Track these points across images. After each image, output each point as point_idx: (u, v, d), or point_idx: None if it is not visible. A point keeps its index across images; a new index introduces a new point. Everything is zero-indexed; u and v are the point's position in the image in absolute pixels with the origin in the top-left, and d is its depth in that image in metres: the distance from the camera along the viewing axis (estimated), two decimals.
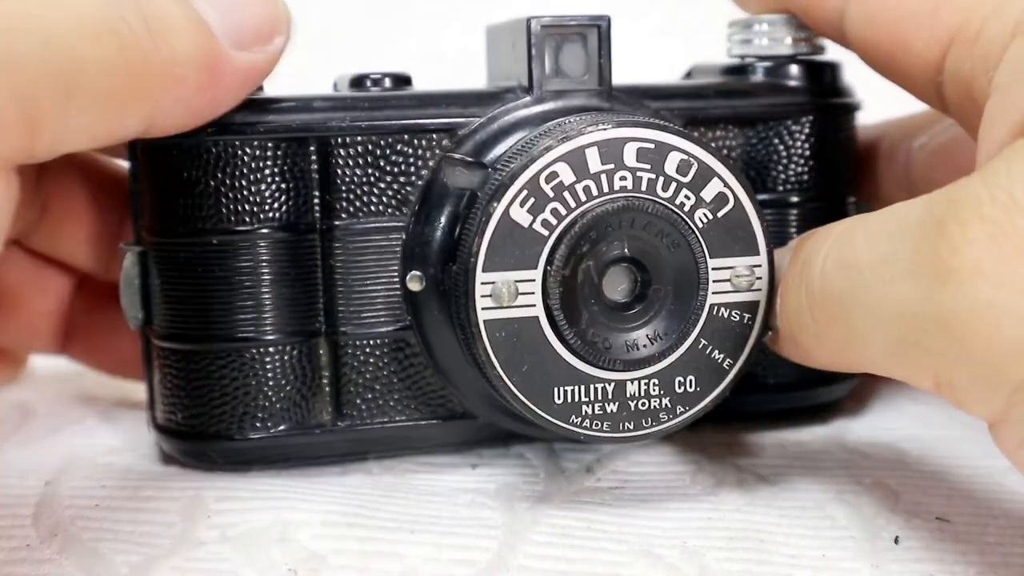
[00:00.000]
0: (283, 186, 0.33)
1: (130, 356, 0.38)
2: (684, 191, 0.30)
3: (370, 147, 0.33)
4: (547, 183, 0.30)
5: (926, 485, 0.33)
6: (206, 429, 0.34)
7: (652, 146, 0.30)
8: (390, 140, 0.33)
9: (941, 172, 0.38)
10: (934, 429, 0.37)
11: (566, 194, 0.30)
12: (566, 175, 0.30)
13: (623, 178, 0.30)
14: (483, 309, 0.30)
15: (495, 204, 0.30)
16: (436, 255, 0.33)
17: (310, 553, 0.29)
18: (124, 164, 0.37)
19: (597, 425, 0.31)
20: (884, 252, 0.26)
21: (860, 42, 0.33)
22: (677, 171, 0.30)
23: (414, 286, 0.33)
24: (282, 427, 0.34)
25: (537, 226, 0.30)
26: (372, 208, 0.33)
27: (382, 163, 0.33)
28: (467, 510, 0.32)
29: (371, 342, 0.34)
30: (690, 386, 0.31)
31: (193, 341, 0.33)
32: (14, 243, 0.39)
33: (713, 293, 0.31)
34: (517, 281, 0.30)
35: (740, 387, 0.32)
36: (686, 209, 0.30)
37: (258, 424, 0.33)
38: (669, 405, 0.31)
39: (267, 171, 0.33)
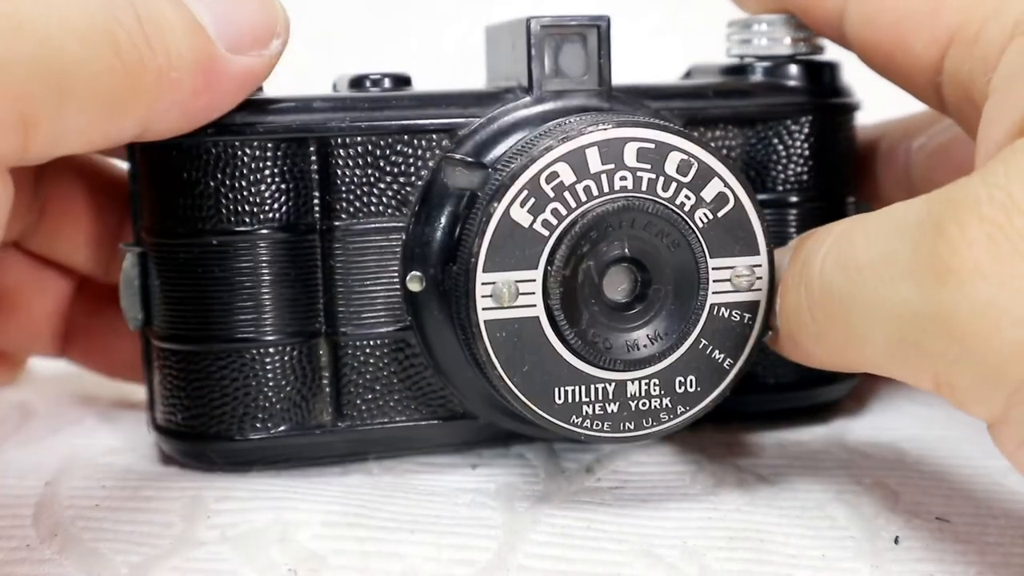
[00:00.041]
0: (283, 186, 0.33)
1: (130, 358, 0.38)
2: (684, 191, 0.30)
3: (370, 147, 0.33)
4: (547, 183, 0.30)
5: (926, 485, 0.33)
6: (206, 430, 0.34)
7: (652, 146, 0.30)
8: (390, 140, 0.33)
9: (940, 172, 0.38)
10: (934, 429, 0.37)
11: (566, 194, 0.30)
12: (566, 175, 0.30)
13: (623, 178, 0.30)
14: (484, 309, 0.30)
15: (495, 204, 0.30)
16: (436, 255, 0.33)
17: (310, 553, 0.29)
18: (123, 165, 0.37)
19: (598, 425, 0.31)
20: (883, 252, 0.26)
21: (859, 42, 0.33)
22: (677, 171, 0.30)
23: (414, 286, 0.33)
24: (282, 428, 0.34)
25: (537, 226, 0.30)
26: (372, 208, 0.33)
27: (382, 163, 0.33)
28: (467, 510, 0.32)
29: (371, 342, 0.34)
30: (690, 386, 0.31)
31: (193, 342, 0.33)
32: (13, 245, 0.39)
33: (713, 293, 0.31)
34: (517, 281, 0.30)
35: (740, 387, 0.32)
36: (686, 209, 0.30)
37: (258, 425, 0.33)
38: (670, 405, 0.31)
39: (267, 171, 0.33)
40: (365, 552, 0.29)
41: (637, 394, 0.31)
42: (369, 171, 0.33)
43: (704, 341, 0.31)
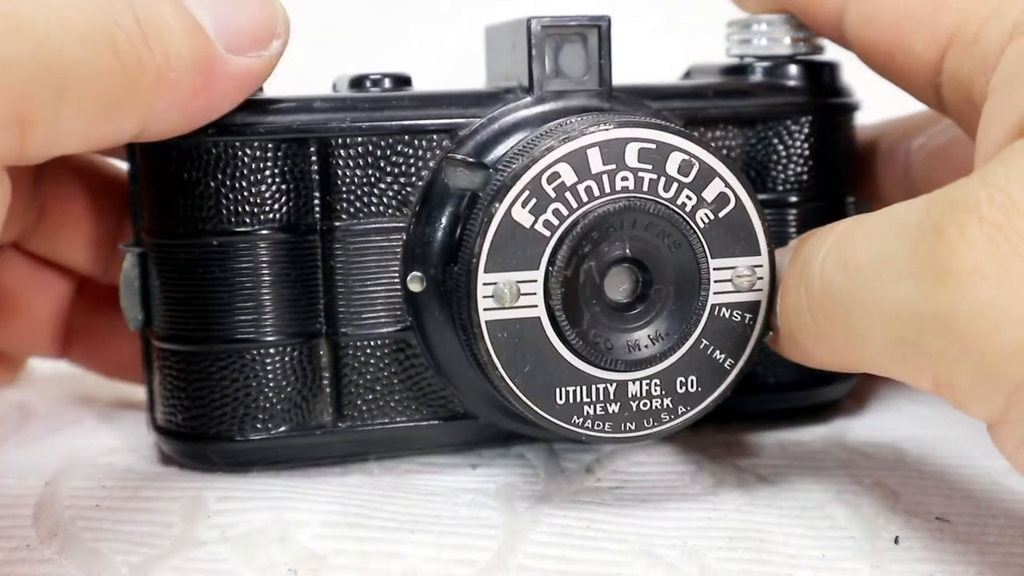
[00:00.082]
0: (283, 187, 0.33)
1: (130, 360, 0.38)
2: (685, 191, 0.30)
3: (370, 148, 0.33)
4: (549, 184, 0.30)
5: (926, 485, 0.33)
6: (206, 430, 0.34)
7: (653, 146, 0.30)
8: (390, 141, 0.33)
9: (940, 172, 0.38)
10: (934, 429, 0.37)
11: (568, 194, 0.30)
12: (568, 175, 0.30)
13: (624, 178, 0.30)
14: (485, 310, 0.30)
15: (497, 205, 0.30)
16: (437, 256, 0.33)
17: (310, 553, 0.29)
18: (123, 166, 0.37)
19: (599, 425, 0.31)
20: (883, 252, 0.26)
21: (859, 42, 0.33)
22: (678, 171, 0.30)
23: (415, 287, 0.33)
24: (282, 428, 0.34)
25: (539, 227, 0.30)
26: (373, 209, 0.33)
27: (382, 164, 0.33)
28: (467, 510, 0.32)
29: (372, 343, 0.34)
30: (691, 386, 0.31)
31: (193, 342, 0.33)
32: (12, 246, 0.39)
33: (714, 293, 0.31)
34: (519, 282, 0.30)
35: (740, 387, 0.32)
36: (687, 209, 0.30)
37: (258, 425, 0.33)
38: (671, 405, 0.31)
39: (267, 172, 0.33)
40: (365, 552, 0.29)
41: (638, 394, 0.31)
42: (370, 171, 0.33)
43: (705, 341, 0.31)
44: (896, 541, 0.30)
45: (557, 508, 0.32)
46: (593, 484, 0.34)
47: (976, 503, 0.32)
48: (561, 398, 0.30)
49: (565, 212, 0.30)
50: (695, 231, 0.30)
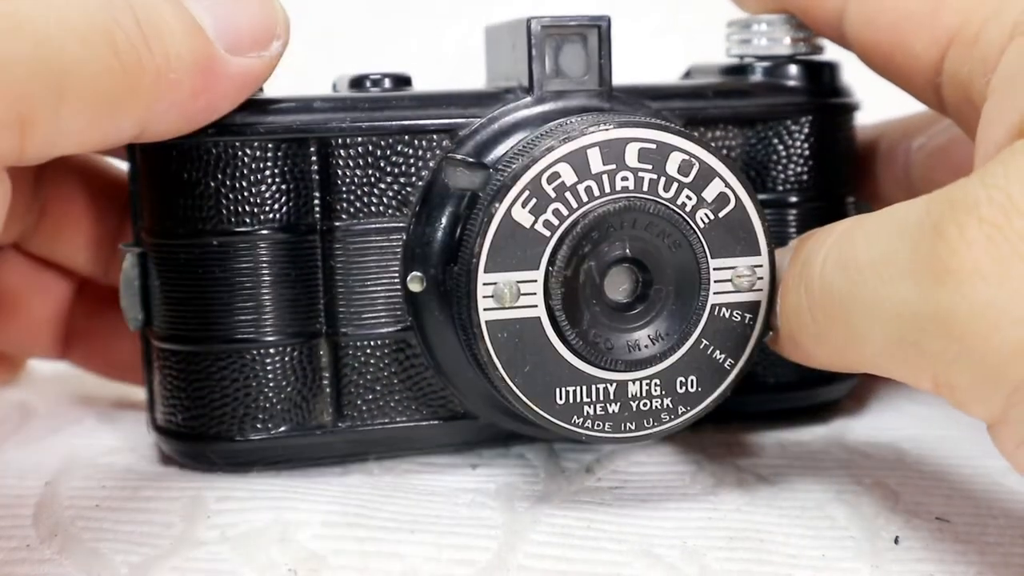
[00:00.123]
0: (283, 187, 0.33)
1: (130, 361, 0.38)
2: (685, 191, 0.30)
3: (370, 148, 0.33)
4: (549, 184, 0.30)
5: (926, 485, 0.33)
6: (206, 430, 0.34)
7: (653, 146, 0.30)
8: (390, 141, 0.33)
9: (940, 172, 0.38)
10: (934, 429, 0.37)
11: (568, 195, 0.30)
12: (568, 175, 0.30)
13: (625, 178, 0.30)
14: (485, 310, 0.30)
15: (497, 205, 0.30)
16: (437, 256, 0.33)
17: (310, 553, 0.29)
18: (123, 166, 0.37)
19: (599, 425, 0.31)
20: (883, 252, 0.26)
21: (859, 43, 0.33)
22: (678, 171, 0.30)
23: (415, 287, 0.33)
24: (282, 428, 0.34)
25: (539, 227, 0.30)
26: (373, 209, 0.33)
27: (382, 164, 0.33)
28: (467, 510, 0.32)
29: (372, 343, 0.34)
30: (691, 386, 0.31)
31: (193, 342, 0.33)
32: (13, 247, 0.39)
33: (714, 293, 0.31)
34: (519, 282, 0.30)
35: (740, 387, 0.32)
36: (687, 209, 0.30)
37: (258, 425, 0.33)
38: (671, 405, 0.31)
39: (267, 172, 0.33)
40: (365, 552, 0.29)
41: (638, 394, 0.31)
42: (370, 171, 0.33)
43: (705, 341, 0.31)
44: (896, 541, 0.30)
45: (557, 508, 0.32)
46: (593, 484, 0.34)
47: (976, 503, 0.32)
48: (561, 398, 0.30)
49: (565, 212, 0.30)
50: (695, 231, 0.30)
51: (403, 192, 0.33)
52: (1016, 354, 0.24)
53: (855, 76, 0.37)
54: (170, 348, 0.34)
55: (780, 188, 0.36)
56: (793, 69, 0.37)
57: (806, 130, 0.36)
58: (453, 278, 0.31)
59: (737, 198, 0.31)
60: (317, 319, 0.33)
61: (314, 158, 0.33)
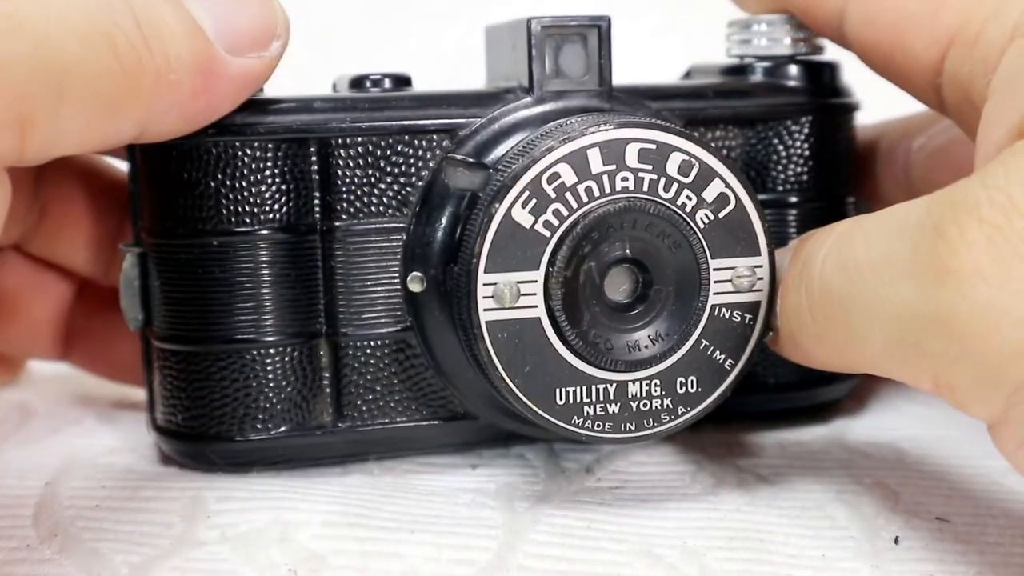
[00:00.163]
0: (283, 187, 0.33)
1: (130, 362, 0.38)
2: (685, 192, 0.30)
3: (370, 148, 0.33)
4: (549, 184, 0.30)
5: (926, 485, 0.33)
6: (206, 430, 0.34)
7: (654, 147, 0.30)
8: (390, 141, 0.33)
9: (940, 173, 0.38)
10: (934, 429, 0.37)
11: (568, 195, 0.30)
12: (568, 176, 0.30)
13: (625, 179, 0.30)
14: (485, 310, 0.30)
15: (497, 205, 0.30)
16: (437, 256, 0.33)
17: (310, 553, 0.29)
18: (123, 166, 0.37)
19: (599, 426, 0.31)
20: (884, 253, 0.26)
21: (859, 43, 0.33)
22: (679, 172, 0.30)
23: (415, 287, 0.33)
24: (283, 428, 0.34)
25: (539, 227, 0.30)
26: (373, 209, 0.33)
27: (382, 164, 0.33)
28: (467, 510, 0.32)
29: (372, 343, 0.34)
30: (691, 387, 0.31)
31: (193, 342, 0.33)
32: (13, 248, 0.39)
33: (714, 294, 0.31)
34: (519, 282, 0.30)
35: (740, 387, 0.32)
36: (687, 210, 0.30)
37: (258, 425, 0.33)
38: (671, 406, 0.31)
39: (267, 172, 0.33)
40: (365, 552, 0.29)
41: (638, 395, 0.31)
42: (370, 171, 0.33)
43: (705, 342, 0.31)
44: (896, 541, 0.30)
45: (557, 508, 0.32)
46: (593, 484, 0.34)
47: (976, 503, 0.32)
48: (561, 398, 0.30)
49: (565, 212, 0.30)
50: (695, 231, 0.30)
51: (403, 192, 0.33)
52: (1016, 355, 0.24)
53: (855, 76, 0.37)
54: (170, 348, 0.34)
55: (780, 188, 0.36)
56: (793, 69, 0.37)
57: (806, 130, 0.36)
58: (453, 278, 0.31)
59: (737, 198, 0.31)
60: (317, 319, 0.33)
61: (314, 158, 0.33)
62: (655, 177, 0.30)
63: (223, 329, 0.33)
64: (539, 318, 0.30)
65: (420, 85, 0.35)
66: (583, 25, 0.34)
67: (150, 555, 0.29)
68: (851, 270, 0.27)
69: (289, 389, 0.34)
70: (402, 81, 0.35)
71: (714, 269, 0.31)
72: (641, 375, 0.31)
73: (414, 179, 0.33)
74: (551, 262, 0.30)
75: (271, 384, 0.33)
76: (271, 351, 0.33)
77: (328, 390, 0.34)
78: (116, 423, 0.40)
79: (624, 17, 0.40)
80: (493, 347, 0.30)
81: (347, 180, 0.33)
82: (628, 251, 0.30)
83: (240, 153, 0.32)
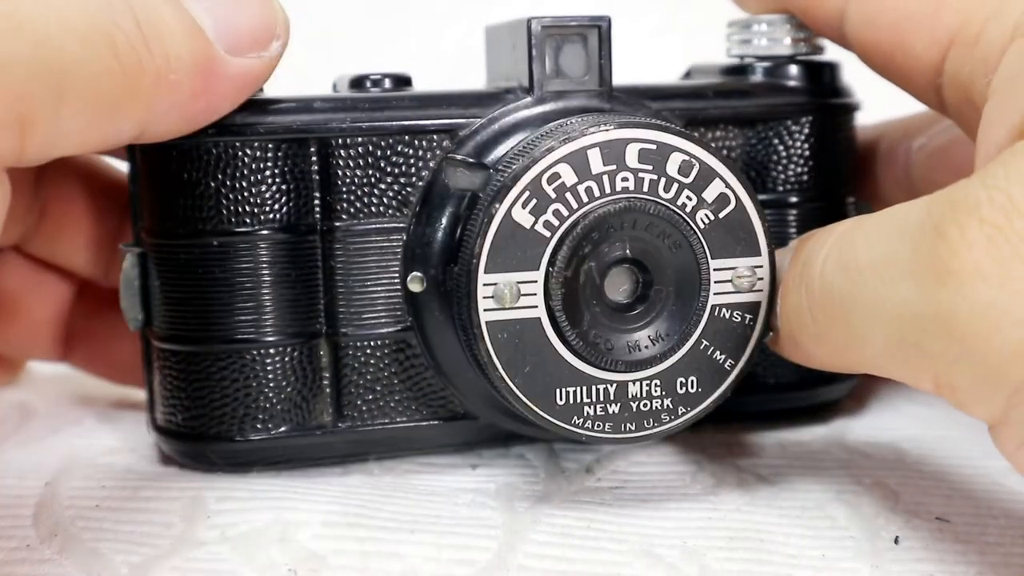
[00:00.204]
0: (283, 187, 0.33)
1: (130, 363, 0.38)
2: (686, 192, 0.30)
3: (371, 148, 0.33)
4: (549, 184, 0.30)
5: (926, 485, 0.33)
6: (206, 430, 0.34)
7: (654, 147, 0.30)
8: (391, 141, 0.33)
9: (940, 173, 0.38)
10: (934, 429, 0.37)
11: (568, 195, 0.30)
12: (568, 176, 0.30)
13: (625, 179, 0.30)
14: (485, 310, 0.30)
15: (497, 205, 0.30)
16: (437, 256, 0.33)
17: (310, 553, 0.29)
18: (123, 166, 0.37)
19: (599, 426, 0.31)
20: (884, 253, 0.26)
21: (859, 43, 0.33)
22: (679, 172, 0.30)
23: (415, 287, 0.33)
24: (283, 428, 0.34)
25: (539, 227, 0.30)
26: (373, 209, 0.33)
27: (383, 164, 0.33)
28: (467, 510, 0.32)
29: (372, 343, 0.34)
30: (692, 387, 0.31)
31: (193, 342, 0.33)
32: (13, 249, 0.39)
33: (715, 294, 0.31)
34: (519, 282, 0.30)
35: (740, 387, 0.32)
36: (688, 210, 0.30)
37: (258, 425, 0.33)
38: (671, 406, 0.31)
39: (267, 172, 0.33)
40: (365, 552, 0.29)
41: (638, 395, 0.31)
42: (370, 172, 0.33)
43: (705, 342, 0.31)
44: (896, 541, 0.30)
45: (557, 508, 0.32)
46: (593, 484, 0.34)
47: (976, 503, 0.32)
48: (561, 398, 0.30)
49: (565, 213, 0.30)
50: (695, 232, 0.30)
51: (403, 192, 0.33)
52: (1017, 355, 0.24)
53: (855, 76, 0.37)
54: (170, 348, 0.34)
55: (780, 188, 0.36)
56: (793, 69, 0.37)
57: (806, 130, 0.36)
58: (453, 278, 0.31)
59: (737, 199, 0.31)
60: (317, 319, 0.33)
61: (314, 158, 0.33)
62: (655, 177, 0.30)
63: (223, 329, 0.33)
64: (539, 318, 0.30)
65: (420, 85, 0.35)
66: (583, 25, 0.34)
67: (150, 555, 0.29)
68: (851, 270, 0.27)
69: (289, 389, 0.34)
70: (402, 81, 0.35)
71: (714, 269, 0.31)
72: (641, 375, 0.31)
73: (414, 179, 0.33)
74: (551, 262, 0.30)
75: (271, 384, 0.33)
76: (271, 351, 0.33)
77: (328, 390, 0.34)
78: (116, 423, 0.40)
79: (624, 17, 0.40)
80: (493, 347, 0.30)
81: (347, 180, 0.33)
82: (628, 251, 0.30)
83: (240, 153, 0.32)
